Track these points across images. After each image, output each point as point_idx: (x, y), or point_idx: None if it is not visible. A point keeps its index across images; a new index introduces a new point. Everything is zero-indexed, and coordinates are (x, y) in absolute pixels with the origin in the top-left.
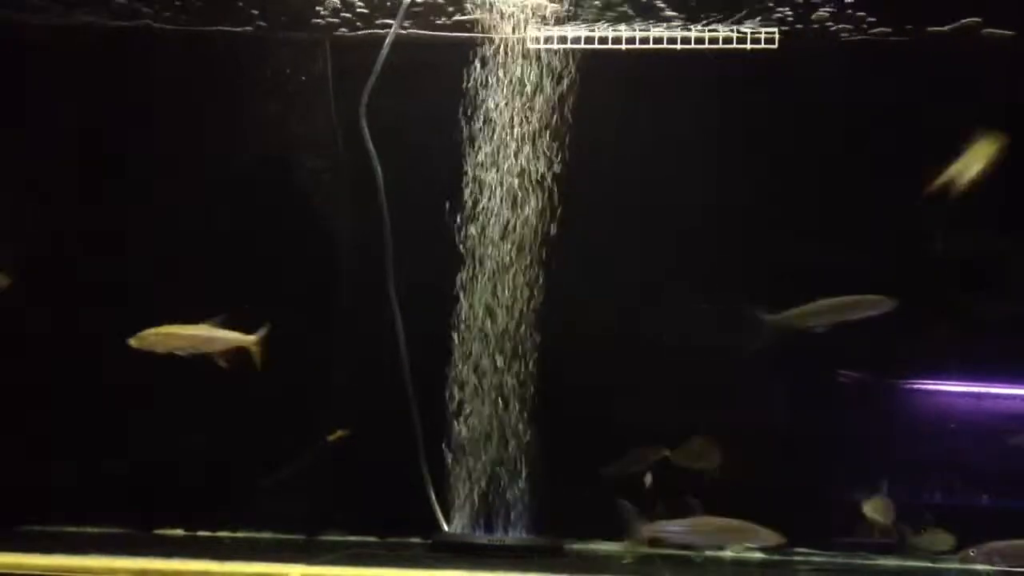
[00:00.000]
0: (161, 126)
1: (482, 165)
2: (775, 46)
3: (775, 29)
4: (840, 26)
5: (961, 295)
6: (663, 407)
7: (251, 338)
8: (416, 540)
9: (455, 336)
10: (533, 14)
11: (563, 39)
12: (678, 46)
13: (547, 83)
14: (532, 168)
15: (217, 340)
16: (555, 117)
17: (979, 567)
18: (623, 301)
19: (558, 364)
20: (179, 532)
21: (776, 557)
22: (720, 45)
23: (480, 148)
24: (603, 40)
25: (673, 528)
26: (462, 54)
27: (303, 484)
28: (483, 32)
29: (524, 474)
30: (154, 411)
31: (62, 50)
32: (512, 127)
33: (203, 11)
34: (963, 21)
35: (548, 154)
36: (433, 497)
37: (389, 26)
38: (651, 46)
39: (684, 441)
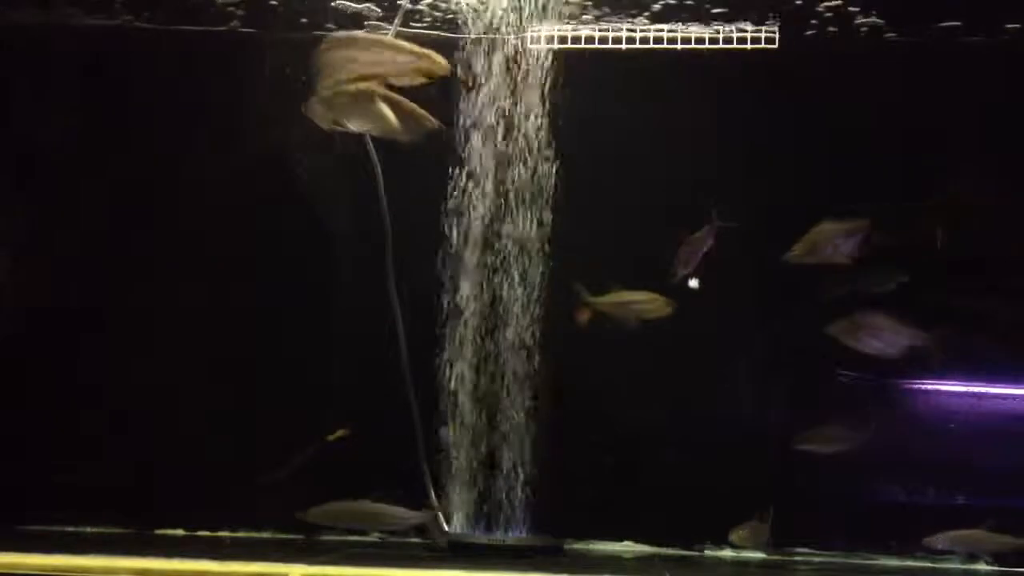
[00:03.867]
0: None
1: None
2: (775, 46)
3: (775, 28)
4: None
5: None
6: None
7: None
8: (416, 540)
9: None
10: None
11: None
12: (678, 46)
13: None
14: None
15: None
16: None
17: (981, 567)
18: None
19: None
20: (179, 532)
21: (776, 557)
22: (720, 45)
23: None
24: (603, 40)
25: None
26: None
27: (303, 483)
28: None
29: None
30: (153, 411)
31: None
32: None
33: None
34: None
35: None
36: (433, 496)
37: None
38: (651, 46)
39: None
